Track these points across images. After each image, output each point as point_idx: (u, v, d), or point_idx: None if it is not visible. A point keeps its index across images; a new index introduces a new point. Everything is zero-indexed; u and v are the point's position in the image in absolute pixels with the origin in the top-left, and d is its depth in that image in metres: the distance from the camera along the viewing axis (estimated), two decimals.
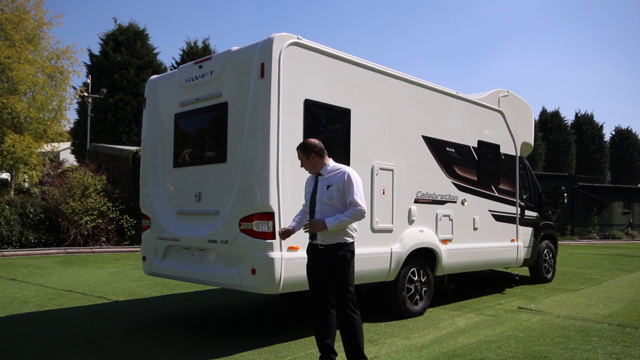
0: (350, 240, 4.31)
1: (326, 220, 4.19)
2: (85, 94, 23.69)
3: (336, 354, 4.39)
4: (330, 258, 4.25)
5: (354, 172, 4.35)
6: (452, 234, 7.33)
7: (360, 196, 4.26)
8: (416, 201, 6.80)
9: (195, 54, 29.22)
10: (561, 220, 24.79)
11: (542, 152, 39.38)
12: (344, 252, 4.26)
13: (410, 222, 6.68)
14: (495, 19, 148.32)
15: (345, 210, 4.25)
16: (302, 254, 5.26)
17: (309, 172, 4.51)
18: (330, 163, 4.44)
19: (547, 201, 10.10)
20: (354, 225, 4.36)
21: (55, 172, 19.20)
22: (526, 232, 9.18)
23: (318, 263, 4.34)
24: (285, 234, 4.52)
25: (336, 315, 4.31)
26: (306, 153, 4.41)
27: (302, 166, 4.50)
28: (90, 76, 25.38)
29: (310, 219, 4.31)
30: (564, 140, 42.32)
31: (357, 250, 5.86)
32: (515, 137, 8.98)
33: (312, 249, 4.41)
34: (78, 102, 26.55)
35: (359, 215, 4.23)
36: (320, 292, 4.37)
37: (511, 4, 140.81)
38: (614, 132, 51.02)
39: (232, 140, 5.50)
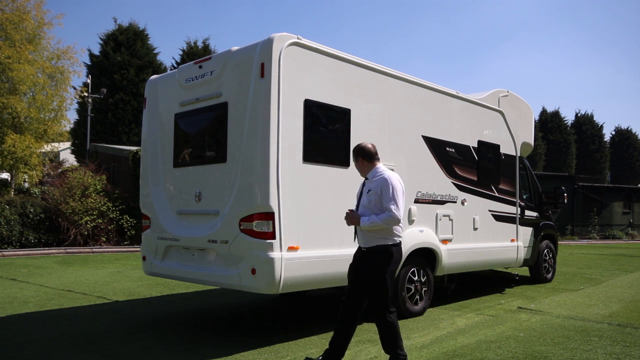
0: (389, 242, 4.37)
1: (361, 218, 4.36)
2: (85, 94, 23.68)
3: (342, 356, 4.48)
4: (370, 260, 4.37)
5: (394, 178, 4.41)
6: (452, 234, 7.33)
7: (396, 202, 4.30)
8: (416, 201, 6.80)
9: (195, 54, 29.22)
10: (561, 220, 24.78)
11: (542, 152, 39.38)
12: (383, 255, 4.34)
13: (410, 222, 6.68)
14: (495, 19, 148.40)
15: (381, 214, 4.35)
16: (302, 254, 5.27)
17: (360, 175, 4.67)
18: (379, 168, 4.53)
19: (547, 201, 10.09)
20: (398, 227, 4.42)
21: (55, 172, 19.20)
22: (526, 232, 9.18)
23: (357, 263, 4.48)
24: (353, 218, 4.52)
25: (375, 316, 4.41)
26: (355, 156, 4.60)
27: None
28: (90, 76, 25.39)
29: (351, 210, 4.48)
30: (564, 140, 42.32)
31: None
32: (515, 137, 8.98)
33: (357, 250, 4.56)
34: (78, 102, 26.55)
35: (391, 221, 4.29)
36: (355, 292, 4.47)
37: (511, 4, 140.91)
38: (614, 132, 51.05)
39: (232, 140, 5.50)
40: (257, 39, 5.67)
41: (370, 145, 4.56)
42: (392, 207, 4.28)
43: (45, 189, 17.11)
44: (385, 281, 4.32)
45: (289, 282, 5.15)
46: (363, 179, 4.61)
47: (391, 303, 4.38)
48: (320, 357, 4.51)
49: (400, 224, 4.40)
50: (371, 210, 4.38)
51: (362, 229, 4.37)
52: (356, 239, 4.54)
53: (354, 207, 4.57)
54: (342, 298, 4.55)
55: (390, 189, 4.32)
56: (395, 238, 4.40)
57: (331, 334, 5.68)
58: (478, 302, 7.79)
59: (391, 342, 4.38)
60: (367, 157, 4.53)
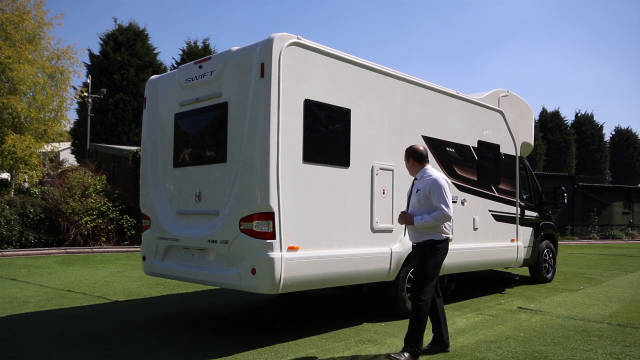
0: (436, 238, 4.77)
1: (414, 218, 4.79)
2: (86, 94, 23.68)
3: (443, 338, 4.96)
4: (419, 253, 4.84)
5: (442, 179, 4.81)
6: (451, 234, 7.31)
7: (446, 201, 4.72)
8: None
9: (195, 54, 29.22)
10: (561, 220, 24.78)
11: (542, 152, 39.38)
12: (428, 247, 4.77)
13: None
14: (495, 19, 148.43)
15: (431, 212, 4.74)
16: (302, 254, 5.28)
17: (410, 174, 5.11)
18: (427, 169, 4.93)
19: (547, 201, 10.10)
20: (447, 224, 4.82)
21: (55, 172, 19.20)
22: (526, 232, 9.18)
23: (414, 256, 5.02)
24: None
25: (411, 296, 4.85)
26: (406, 156, 5.05)
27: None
28: (90, 76, 25.39)
29: (403, 212, 4.96)
30: (564, 140, 42.32)
31: (357, 251, 5.87)
32: (515, 137, 8.98)
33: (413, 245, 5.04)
34: (78, 102, 26.53)
35: (443, 218, 4.73)
36: None
37: (511, 4, 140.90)
38: (614, 132, 51.05)
39: (232, 140, 5.50)
40: (257, 39, 5.67)
41: (422, 148, 5.01)
42: (443, 205, 4.69)
43: (45, 189, 17.11)
44: (426, 268, 4.73)
45: (289, 282, 5.15)
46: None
47: (425, 294, 4.67)
48: (429, 345, 4.99)
49: (449, 222, 4.81)
50: (420, 209, 4.79)
51: (417, 227, 4.78)
52: (406, 235, 5.01)
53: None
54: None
55: (439, 189, 4.72)
56: (442, 234, 4.81)
57: (331, 333, 5.73)
58: (478, 302, 7.79)
59: (413, 332, 4.68)
60: (417, 159, 4.96)
